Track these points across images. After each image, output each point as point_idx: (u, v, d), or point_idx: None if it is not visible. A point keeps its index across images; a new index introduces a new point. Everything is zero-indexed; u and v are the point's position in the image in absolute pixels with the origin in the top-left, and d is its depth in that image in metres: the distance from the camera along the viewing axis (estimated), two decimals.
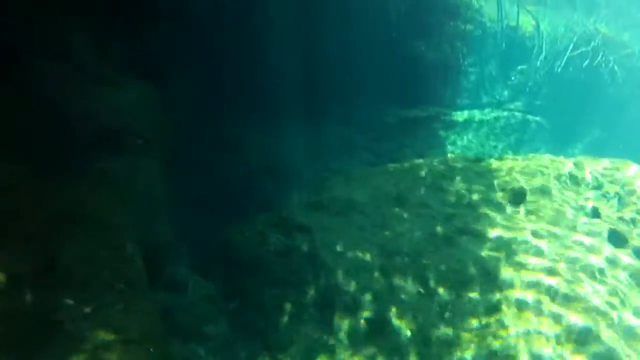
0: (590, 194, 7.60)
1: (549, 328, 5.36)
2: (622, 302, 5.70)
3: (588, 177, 7.87)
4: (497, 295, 5.78)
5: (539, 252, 6.18)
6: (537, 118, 12.62)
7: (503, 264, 6.02)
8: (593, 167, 8.10)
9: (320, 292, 5.96)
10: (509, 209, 6.86)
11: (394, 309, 5.72)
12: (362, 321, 5.64)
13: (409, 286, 5.84)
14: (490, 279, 5.89)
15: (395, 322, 5.61)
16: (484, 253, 6.11)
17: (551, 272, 5.91)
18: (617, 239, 6.60)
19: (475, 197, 6.91)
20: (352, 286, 5.87)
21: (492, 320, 5.60)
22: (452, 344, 5.47)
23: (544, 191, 7.11)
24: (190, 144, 10.74)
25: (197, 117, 10.70)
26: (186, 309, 6.09)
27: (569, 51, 11.55)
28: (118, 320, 4.15)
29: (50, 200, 4.76)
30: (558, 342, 5.26)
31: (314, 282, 6.02)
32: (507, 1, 11.17)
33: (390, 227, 6.34)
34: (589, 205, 7.23)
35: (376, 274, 5.92)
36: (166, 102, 9.64)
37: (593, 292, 5.64)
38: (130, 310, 4.28)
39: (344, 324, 5.67)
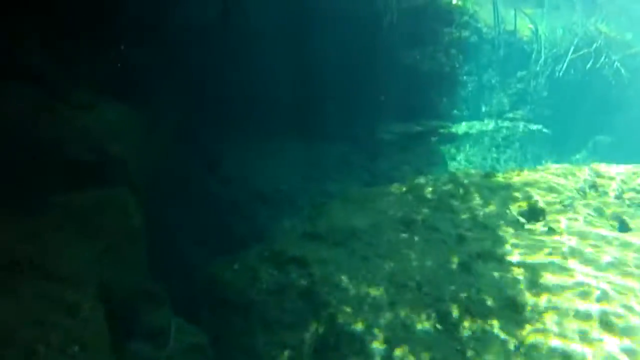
0: (614, 204, 6.76)
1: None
2: None
3: (609, 186, 7.05)
4: (527, 328, 4.92)
5: (568, 274, 5.32)
6: (540, 126, 11.87)
7: (529, 290, 5.16)
8: (612, 175, 7.29)
9: (322, 334, 5.07)
10: (528, 227, 6.00)
11: (408, 351, 4.84)
12: None
13: (423, 322, 4.97)
14: (517, 309, 5.01)
15: None
16: (507, 279, 5.24)
17: (585, 295, 5.06)
18: None
19: (489, 216, 6.05)
20: (359, 326, 4.98)
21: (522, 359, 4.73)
22: None
23: (564, 205, 6.27)
24: (173, 169, 9.99)
25: (181, 139, 9.99)
26: None
27: (569, 54, 10.82)
28: None
29: None
30: None
31: (314, 323, 5.15)
32: (502, 5, 10.45)
33: (398, 255, 5.47)
34: (615, 217, 6.40)
35: (385, 310, 5.04)
36: (148, 124, 8.95)
37: None
38: None
39: None
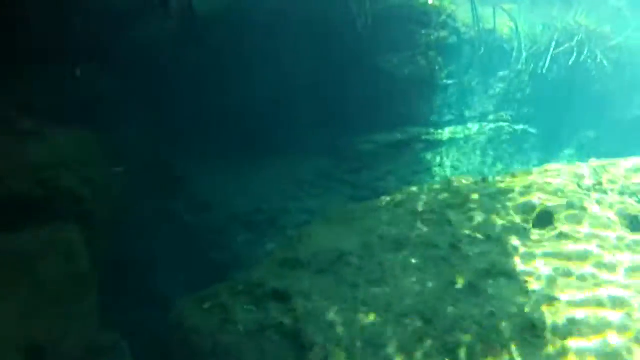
0: (622, 202, 5.97)
1: None
2: None
3: (611, 183, 6.27)
4: (549, 350, 4.08)
5: (589, 285, 4.50)
6: (525, 126, 11.14)
7: (548, 307, 4.32)
8: (611, 171, 6.53)
9: None
10: (537, 235, 5.18)
11: None
12: None
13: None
14: (536, 332, 4.18)
15: None
16: (522, 298, 4.41)
17: (612, 306, 4.26)
18: None
19: (492, 226, 5.22)
20: None
21: None
22: None
23: (572, 207, 5.45)
24: (143, 198, 9.15)
25: (150, 164, 9.17)
26: None
27: (551, 50, 10.11)
28: None
29: None
30: None
31: None
32: (480, 2, 9.71)
33: (393, 280, 4.60)
34: (625, 215, 5.60)
35: (384, 348, 4.16)
36: (111, 151, 8.04)
37: None
38: None
39: None
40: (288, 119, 8.93)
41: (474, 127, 10.57)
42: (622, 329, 4.07)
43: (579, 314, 4.25)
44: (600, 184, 6.25)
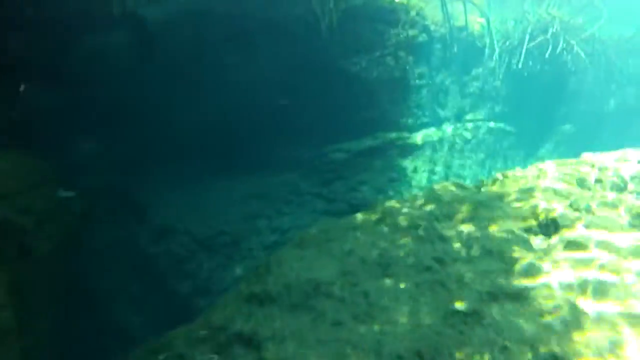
0: (624, 199, 5.26)
1: None
2: None
3: (607, 179, 5.58)
4: None
5: (613, 302, 3.75)
6: (502, 124, 10.54)
7: (567, 333, 3.54)
8: (606, 166, 5.85)
9: None
10: (542, 245, 4.41)
11: None
12: None
13: None
14: None
15: None
16: (539, 325, 3.61)
17: None
18: None
19: (490, 239, 4.43)
20: None
21: None
22: None
23: (577, 209, 4.72)
24: (98, 226, 8.29)
25: (104, 190, 8.24)
26: None
27: (525, 44, 9.50)
28: None
29: None
30: None
31: None
32: None
33: (382, 314, 3.75)
34: (633, 213, 4.89)
35: None
36: (56, 176, 7.32)
37: None
38: None
39: None
40: (251, 134, 8.13)
41: (449, 128, 9.90)
42: None
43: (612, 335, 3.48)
44: (600, 180, 5.56)
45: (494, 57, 9.75)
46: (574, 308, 3.71)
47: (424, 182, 9.46)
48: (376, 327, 3.66)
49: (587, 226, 4.53)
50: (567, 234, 4.47)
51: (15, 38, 7.26)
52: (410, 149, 9.43)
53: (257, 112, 8.09)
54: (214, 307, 4.35)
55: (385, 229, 4.70)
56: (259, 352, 3.64)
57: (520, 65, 9.65)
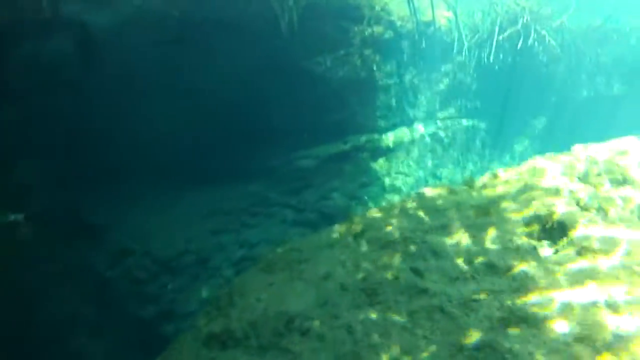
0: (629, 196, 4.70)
1: None
2: None
3: (611, 174, 5.03)
4: None
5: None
6: (475, 121, 10.08)
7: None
8: (611, 158, 5.29)
9: None
10: (551, 253, 3.79)
11: None
12: None
13: None
14: None
15: None
16: (556, 352, 2.99)
17: None
18: None
19: (492, 252, 3.81)
20: None
21: None
22: None
23: (586, 209, 4.11)
24: (51, 252, 7.53)
25: (54, 210, 7.39)
26: None
27: (495, 36, 9.02)
28: None
29: None
30: None
31: None
32: None
33: (371, 353, 3.08)
34: None
35: None
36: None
37: None
38: None
39: None
40: (214, 142, 7.42)
41: (420, 127, 9.37)
42: None
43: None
44: (600, 175, 5.00)
45: (464, 52, 9.25)
46: (590, 329, 3.11)
47: (397, 185, 8.93)
48: None
49: (596, 228, 3.94)
50: (577, 238, 3.85)
51: None
52: (382, 152, 8.88)
53: (219, 118, 7.40)
54: (167, 353, 3.61)
55: (367, 244, 4.03)
56: None
57: (491, 59, 9.17)
